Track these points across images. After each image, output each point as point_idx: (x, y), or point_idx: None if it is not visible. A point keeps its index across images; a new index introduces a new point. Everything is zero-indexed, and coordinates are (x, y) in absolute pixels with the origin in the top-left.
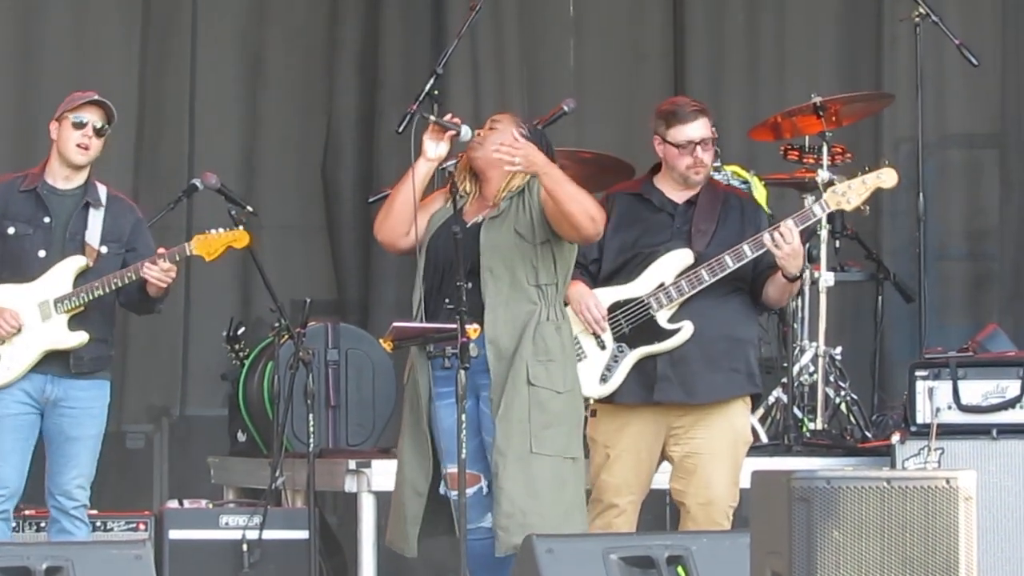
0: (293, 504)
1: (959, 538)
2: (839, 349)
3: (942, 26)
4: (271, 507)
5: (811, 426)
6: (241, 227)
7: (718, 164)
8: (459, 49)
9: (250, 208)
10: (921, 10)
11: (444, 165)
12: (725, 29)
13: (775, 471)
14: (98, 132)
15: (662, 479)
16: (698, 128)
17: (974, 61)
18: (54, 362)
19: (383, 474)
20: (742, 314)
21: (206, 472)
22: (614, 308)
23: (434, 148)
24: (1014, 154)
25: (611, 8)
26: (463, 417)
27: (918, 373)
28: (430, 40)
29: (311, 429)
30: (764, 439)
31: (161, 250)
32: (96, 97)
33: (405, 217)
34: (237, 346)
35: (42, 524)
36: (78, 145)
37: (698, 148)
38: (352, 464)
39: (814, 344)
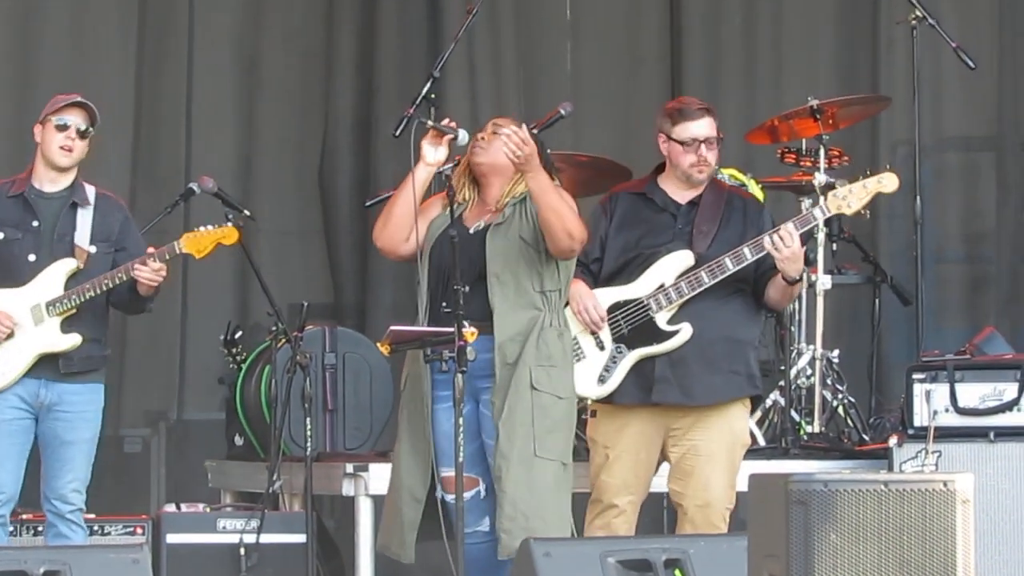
0: (290, 508)
1: (956, 541)
2: (836, 352)
3: (939, 29)
4: (268, 511)
5: (808, 429)
6: (230, 224)
7: (715, 167)
8: (456, 52)
9: (247, 212)
10: (918, 13)
11: (441, 170)
12: (722, 32)
13: (773, 474)
14: (81, 134)
15: (660, 482)
16: (704, 126)
17: (971, 64)
18: (47, 366)
19: (380, 478)
20: (743, 316)
21: (203, 476)
22: (614, 309)
23: (433, 153)
24: (1011, 157)
25: (608, 11)
26: (460, 421)
27: (915, 376)
28: (426, 44)
29: (308, 433)
30: (761, 442)
31: (151, 249)
32: (79, 99)
33: (405, 223)
34: (234, 350)
35: (39, 528)
36: (61, 147)
37: (703, 146)
38: (349, 468)
39: (811, 347)
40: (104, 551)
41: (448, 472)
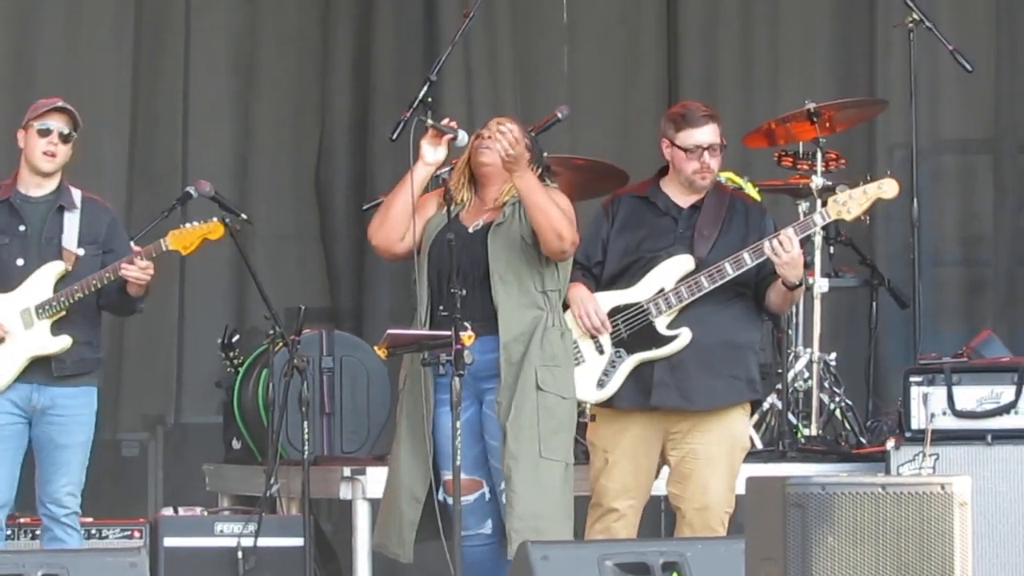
0: (288, 511)
1: (954, 544)
2: (834, 355)
3: (936, 32)
4: (266, 514)
5: (806, 432)
6: (215, 219)
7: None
8: (453, 56)
9: (244, 216)
10: (915, 16)
11: (438, 172)
12: (719, 35)
13: (770, 477)
14: (64, 138)
15: (657, 485)
16: (707, 133)
17: (968, 67)
18: (39, 370)
19: (378, 481)
20: (743, 320)
21: (201, 480)
22: (614, 313)
23: (432, 152)
24: (1008, 160)
25: (605, 14)
26: (458, 424)
27: (913, 379)
28: (423, 47)
29: (306, 436)
30: (759, 445)
31: (137, 248)
32: (60, 104)
33: (402, 222)
34: (232, 354)
35: (37, 532)
36: (45, 152)
37: (706, 153)
38: (347, 471)
39: (809, 350)
40: (102, 555)
41: (450, 475)
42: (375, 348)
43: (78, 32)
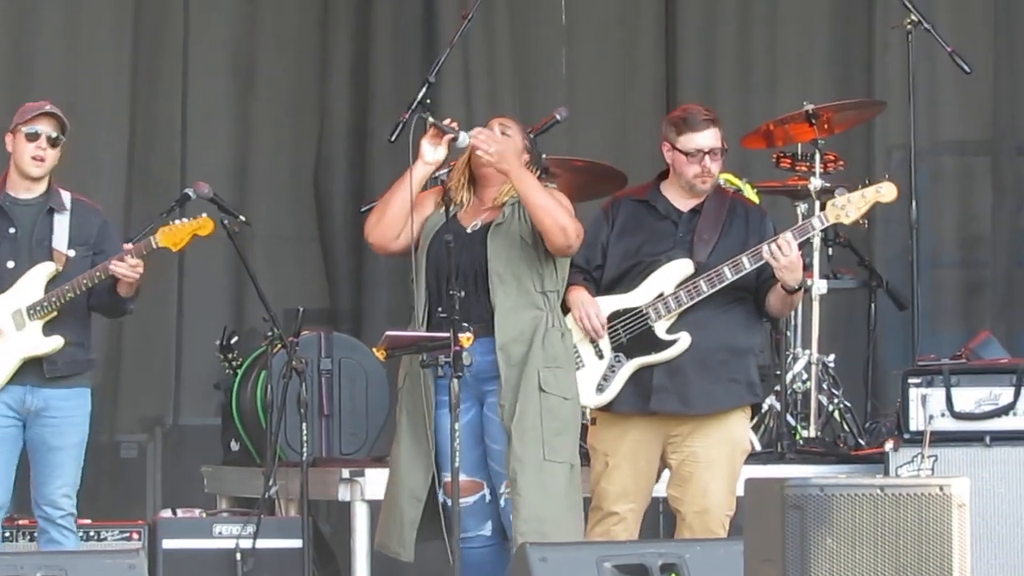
0: (286, 513)
1: (952, 545)
2: (832, 357)
3: (934, 33)
4: (264, 516)
5: (804, 434)
6: (205, 214)
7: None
8: (451, 58)
9: (243, 217)
10: (913, 17)
11: (437, 174)
12: (717, 37)
13: (768, 479)
14: (52, 142)
15: (657, 487)
16: (708, 137)
17: (966, 68)
18: (31, 372)
19: (376, 483)
20: (743, 324)
21: (199, 481)
22: (613, 317)
23: (432, 152)
24: (1006, 161)
25: (603, 16)
26: (456, 426)
27: (911, 380)
28: (422, 49)
29: (304, 438)
30: (758, 447)
31: (128, 246)
32: (48, 108)
33: (399, 220)
34: (230, 355)
35: (35, 534)
36: (33, 157)
37: (707, 157)
38: (345, 473)
39: (807, 352)
40: (100, 556)
41: (450, 476)
42: (373, 350)
43: (77, 33)
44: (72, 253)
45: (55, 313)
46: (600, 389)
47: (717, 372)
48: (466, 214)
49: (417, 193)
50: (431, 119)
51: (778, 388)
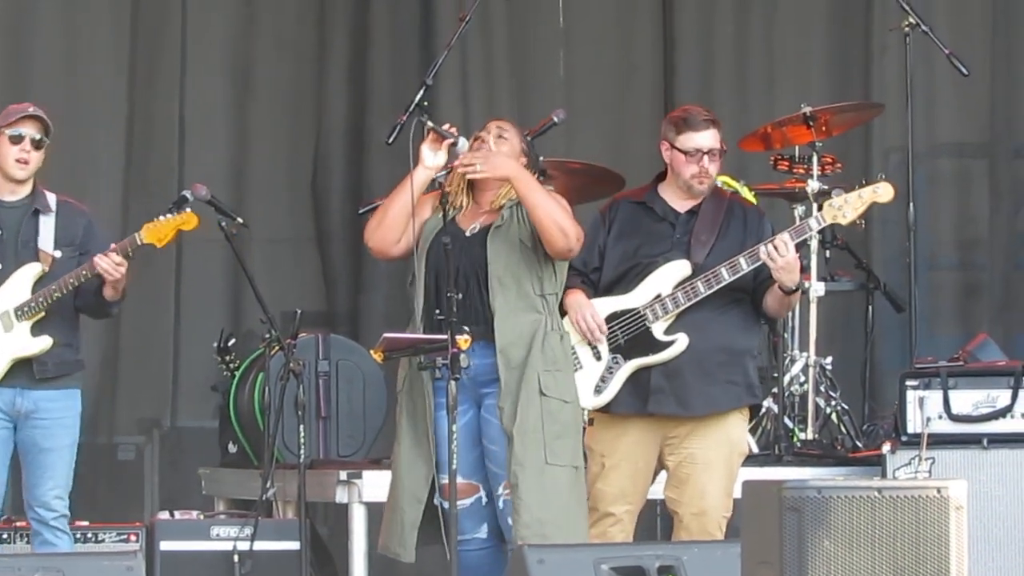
0: (284, 515)
1: (950, 547)
2: (830, 359)
3: (932, 36)
4: (262, 518)
5: (802, 436)
6: (188, 209)
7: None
8: (449, 60)
9: (240, 219)
10: (911, 20)
11: (436, 177)
12: (715, 39)
13: (766, 481)
14: (36, 144)
15: (653, 489)
16: (708, 138)
17: (964, 71)
18: (21, 373)
19: (374, 485)
20: (741, 325)
21: (197, 483)
22: (611, 319)
23: (432, 157)
24: (1003, 164)
25: (601, 19)
26: (454, 428)
27: (909, 383)
28: (419, 51)
29: (302, 440)
30: (755, 449)
31: (113, 245)
32: (31, 110)
33: (400, 225)
34: (228, 357)
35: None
36: (17, 160)
37: (705, 157)
38: (343, 475)
39: (805, 354)
40: (98, 558)
41: (446, 478)
42: (371, 352)
43: (75, 34)
44: (58, 254)
45: (43, 314)
46: (598, 390)
47: (715, 374)
48: (464, 217)
49: (418, 196)
50: (430, 124)
51: (776, 390)
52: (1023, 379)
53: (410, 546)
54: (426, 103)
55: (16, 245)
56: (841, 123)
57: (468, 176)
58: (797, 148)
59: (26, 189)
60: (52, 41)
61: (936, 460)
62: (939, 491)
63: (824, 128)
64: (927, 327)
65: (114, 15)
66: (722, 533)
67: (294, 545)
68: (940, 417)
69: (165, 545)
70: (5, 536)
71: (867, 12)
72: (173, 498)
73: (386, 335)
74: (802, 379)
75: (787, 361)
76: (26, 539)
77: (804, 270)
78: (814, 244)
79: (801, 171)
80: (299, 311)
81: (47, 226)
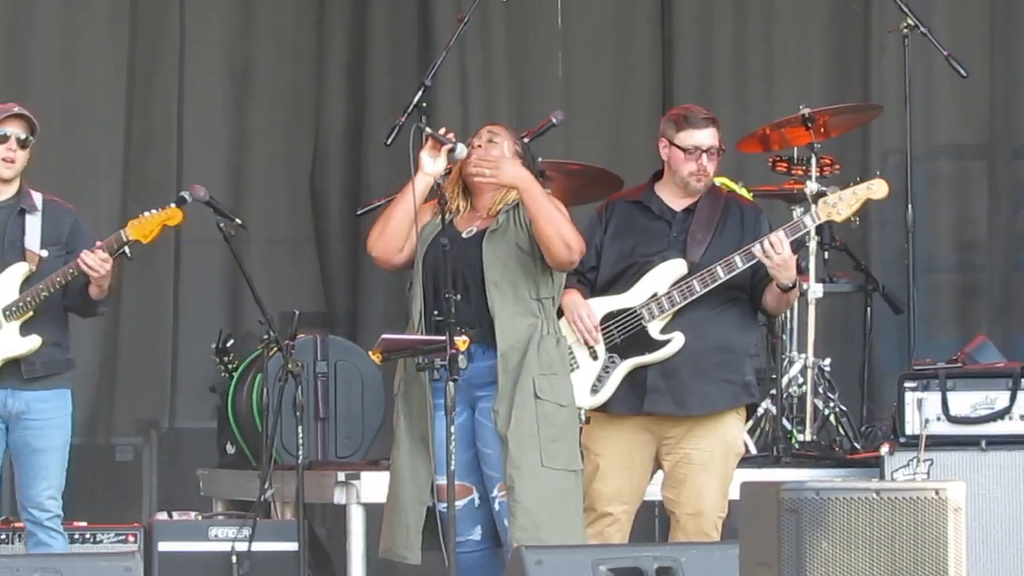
0: (282, 516)
1: (948, 549)
2: (828, 360)
3: (930, 37)
4: (260, 519)
5: (800, 437)
6: (173, 204)
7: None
8: (447, 61)
9: (239, 220)
10: (909, 21)
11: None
12: (713, 41)
13: (764, 482)
14: (22, 144)
15: (652, 490)
16: (707, 136)
17: (962, 72)
18: (11, 374)
19: (372, 486)
20: (738, 325)
21: (195, 484)
22: (607, 318)
23: (431, 163)
24: (1002, 165)
25: (599, 20)
26: (452, 429)
27: (907, 384)
28: (418, 52)
29: (300, 441)
30: (753, 450)
31: (99, 242)
32: (17, 110)
33: (402, 233)
34: (226, 358)
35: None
36: (3, 159)
37: (704, 156)
38: (341, 476)
39: (803, 355)
40: (96, 559)
41: (442, 480)
42: (369, 353)
43: (73, 37)
44: (45, 253)
45: (31, 313)
46: (594, 390)
47: (711, 373)
48: (461, 220)
49: (419, 203)
50: (428, 130)
51: (774, 392)
52: (1021, 381)
53: (416, 548)
54: (425, 104)
55: (3, 245)
56: (840, 124)
57: (476, 180)
58: (796, 149)
59: (12, 189)
60: (51, 41)
61: (934, 462)
62: (937, 493)
63: (823, 129)
64: (926, 329)
65: (113, 15)
66: (718, 533)
67: (292, 546)
68: (938, 419)
69: (163, 546)
70: (4, 537)
71: (866, 13)
72: (171, 499)
73: (384, 336)
74: (800, 380)
75: (785, 362)
76: (24, 540)
77: (802, 271)
78: (812, 246)
79: (800, 172)
80: (297, 312)
81: (33, 225)
